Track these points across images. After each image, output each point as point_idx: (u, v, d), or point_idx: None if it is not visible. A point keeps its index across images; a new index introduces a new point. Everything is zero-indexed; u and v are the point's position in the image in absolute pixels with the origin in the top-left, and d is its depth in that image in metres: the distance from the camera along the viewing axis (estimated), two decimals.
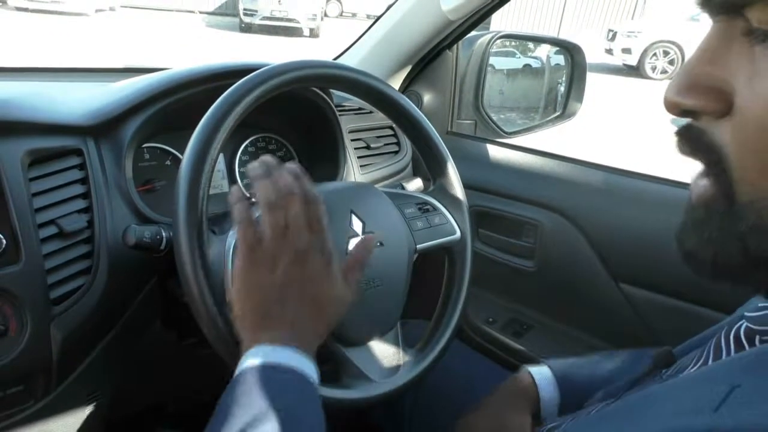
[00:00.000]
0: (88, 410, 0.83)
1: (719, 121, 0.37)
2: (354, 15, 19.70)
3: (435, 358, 0.82)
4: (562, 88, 1.71)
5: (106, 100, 0.84)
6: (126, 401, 0.98)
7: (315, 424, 0.55)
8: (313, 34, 13.91)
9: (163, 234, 0.75)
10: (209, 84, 0.87)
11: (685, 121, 0.40)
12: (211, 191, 0.71)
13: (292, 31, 13.52)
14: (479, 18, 1.12)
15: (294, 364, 0.57)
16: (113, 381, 0.86)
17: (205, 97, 0.85)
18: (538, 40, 1.62)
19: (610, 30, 11.95)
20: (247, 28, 13.29)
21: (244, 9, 13.19)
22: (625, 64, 11.35)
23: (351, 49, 1.27)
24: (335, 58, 1.30)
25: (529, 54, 1.85)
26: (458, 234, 0.88)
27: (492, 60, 1.37)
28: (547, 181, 1.15)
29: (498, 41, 1.34)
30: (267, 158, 0.67)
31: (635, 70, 11.13)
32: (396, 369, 0.78)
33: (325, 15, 16.54)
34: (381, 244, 0.78)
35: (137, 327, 0.85)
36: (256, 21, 13.12)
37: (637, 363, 0.80)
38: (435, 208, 0.87)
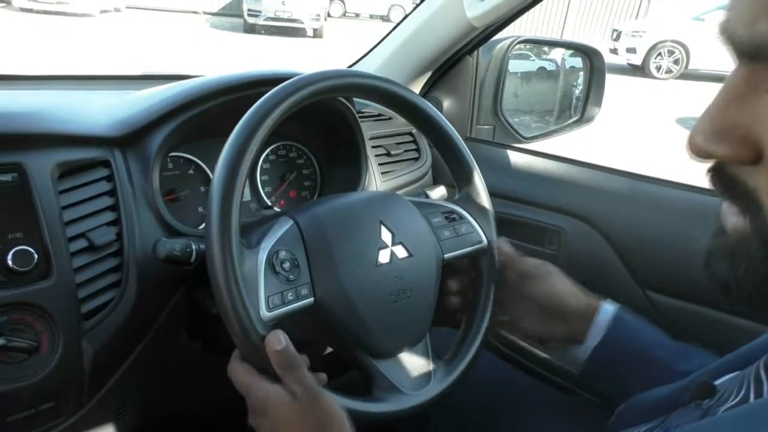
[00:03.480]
0: (117, 424, 0.82)
1: (750, 167, 0.36)
2: (357, 15, 19.69)
3: (465, 369, 0.81)
4: (577, 91, 1.69)
5: (132, 110, 0.83)
6: (152, 412, 0.98)
7: None
8: (317, 34, 13.91)
9: (193, 247, 0.74)
10: (238, 93, 0.86)
11: None
12: None
13: (296, 32, 13.53)
14: (502, 24, 1.11)
15: None
16: (141, 393, 0.86)
17: (231, 107, 0.85)
18: (558, 44, 1.61)
19: (614, 29, 11.92)
20: (250, 29, 13.29)
21: (248, 10, 13.19)
22: (629, 64, 11.32)
23: (370, 54, 1.26)
24: (353, 63, 1.30)
25: (544, 56, 1.84)
26: (485, 243, 0.87)
27: None
28: (569, 187, 1.14)
29: (516, 45, 1.34)
30: None
31: (640, 70, 11.10)
32: (426, 380, 0.77)
33: (329, 15, 16.53)
34: (410, 254, 0.78)
35: (165, 339, 0.84)
36: (260, 21, 13.13)
37: (687, 358, 0.79)
38: (461, 217, 0.87)
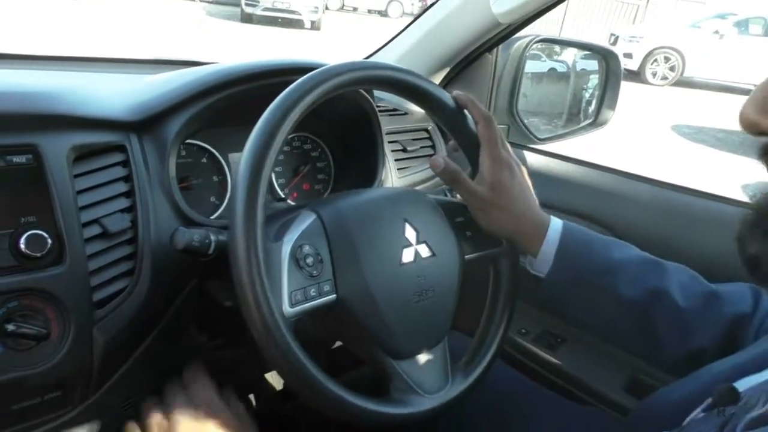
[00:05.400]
0: (122, 416, 0.80)
1: None
2: (355, 9, 19.64)
3: (482, 373, 0.80)
4: (587, 95, 1.68)
5: (149, 95, 0.80)
6: None
7: None
8: (315, 26, 13.85)
9: (212, 238, 0.72)
10: (260, 81, 0.84)
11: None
12: None
13: (294, 23, 13.46)
14: (525, 22, 1.09)
15: None
16: (148, 385, 0.83)
17: (250, 95, 0.83)
18: (576, 45, 1.59)
19: (612, 34, 11.97)
20: (247, 19, 13.19)
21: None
22: (625, 69, 11.27)
23: (388, 45, 1.23)
24: (370, 55, 1.27)
25: (555, 57, 1.83)
26: (506, 245, 0.86)
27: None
28: (585, 190, 1.13)
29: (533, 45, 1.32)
30: None
31: (636, 75, 11.16)
32: (444, 383, 0.76)
33: (326, 8, 16.45)
34: (434, 254, 0.76)
35: (175, 330, 0.82)
36: (258, 12, 13.02)
37: (653, 273, 0.77)
38: None
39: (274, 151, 0.63)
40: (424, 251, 0.75)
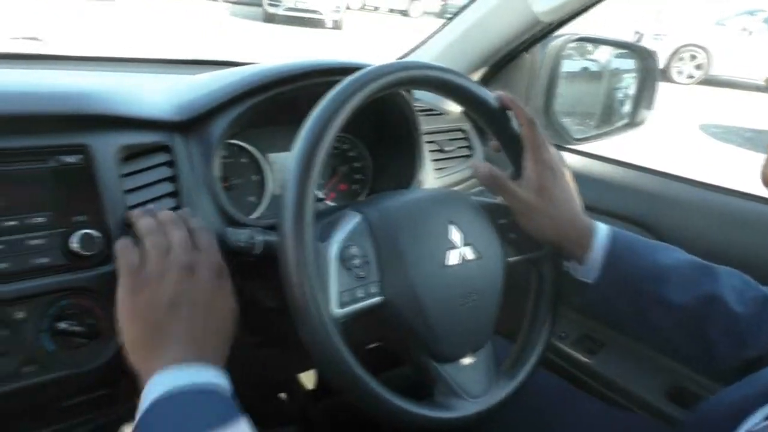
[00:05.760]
0: None
1: None
2: (376, 9, 19.63)
3: (525, 378, 0.79)
4: (619, 95, 1.65)
5: (194, 95, 0.81)
6: None
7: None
8: (336, 26, 13.91)
9: (257, 238, 0.72)
10: (305, 81, 0.84)
11: None
12: None
13: (316, 23, 13.51)
14: (566, 20, 1.07)
15: (202, 380, 0.55)
16: None
17: (293, 95, 0.83)
18: (612, 43, 1.56)
19: (636, 32, 11.79)
20: (270, 18, 13.27)
21: None
22: None
23: (426, 44, 1.22)
24: (405, 54, 1.26)
25: (587, 56, 1.80)
26: (549, 248, 0.84)
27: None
28: (623, 192, 1.11)
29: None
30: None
31: (661, 74, 10.96)
32: (487, 388, 0.75)
33: (348, 7, 16.48)
34: (478, 257, 0.75)
35: None
36: (280, 11, 13.09)
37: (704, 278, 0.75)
38: None
39: (324, 150, 0.63)
40: (469, 254, 0.74)
